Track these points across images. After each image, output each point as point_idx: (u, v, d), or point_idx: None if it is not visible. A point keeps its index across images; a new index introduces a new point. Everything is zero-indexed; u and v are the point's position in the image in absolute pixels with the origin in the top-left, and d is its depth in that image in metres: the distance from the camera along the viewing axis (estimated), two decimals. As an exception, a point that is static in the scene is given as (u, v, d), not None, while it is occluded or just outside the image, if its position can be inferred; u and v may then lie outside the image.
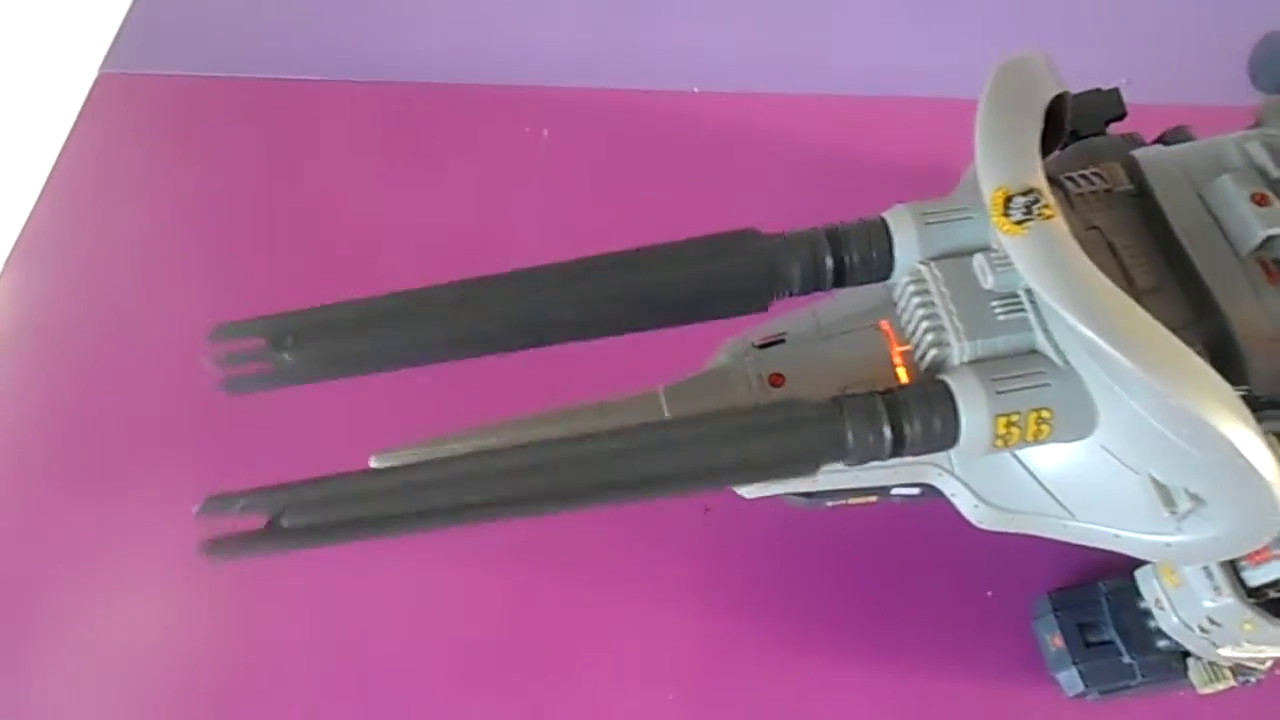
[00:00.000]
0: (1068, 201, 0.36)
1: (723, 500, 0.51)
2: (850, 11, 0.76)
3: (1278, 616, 0.37)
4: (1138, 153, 0.36)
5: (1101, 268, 0.34)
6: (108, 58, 0.75)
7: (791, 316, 0.38)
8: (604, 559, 0.55)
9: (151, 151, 0.72)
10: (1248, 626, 0.38)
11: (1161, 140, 0.43)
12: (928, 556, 0.54)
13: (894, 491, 0.38)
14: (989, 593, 0.53)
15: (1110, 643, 0.47)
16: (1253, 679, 0.46)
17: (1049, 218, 0.30)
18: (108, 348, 0.63)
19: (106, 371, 0.62)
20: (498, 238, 0.66)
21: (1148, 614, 0.44)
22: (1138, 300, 0.33)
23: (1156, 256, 0.34)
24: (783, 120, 0.70)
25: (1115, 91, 0.42)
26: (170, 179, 0.70)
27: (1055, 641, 0.49)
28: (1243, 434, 0.28)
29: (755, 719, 0.51)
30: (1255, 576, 0.37)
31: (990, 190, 0.31)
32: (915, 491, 0.38)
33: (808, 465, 0.32)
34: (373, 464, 0.34)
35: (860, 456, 0.32)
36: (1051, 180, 0.36)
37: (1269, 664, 0.45)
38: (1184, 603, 0.41)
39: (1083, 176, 0.37)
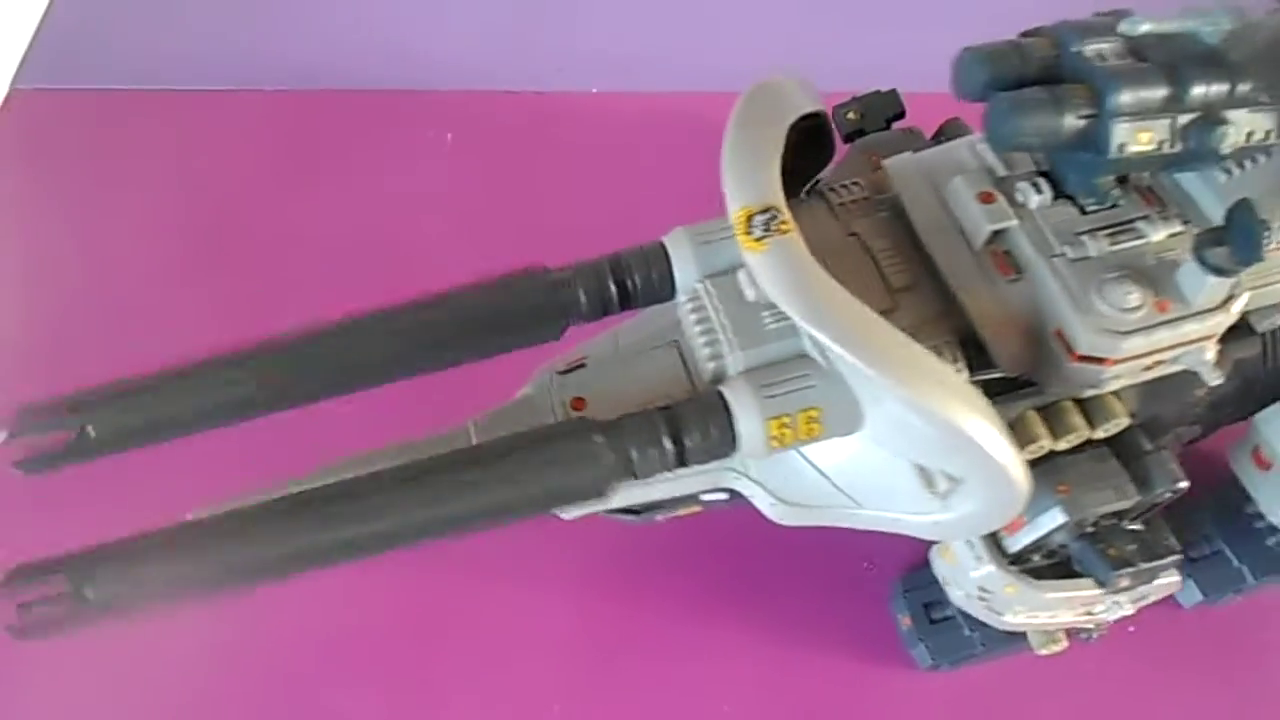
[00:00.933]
0: (831, 211, 0.38)
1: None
2: (747, 9, 0.79)
3: (1042, 579, 0.40)
4: (888, 161, 0.39)
5: (859, 271, 0.36)
6: (18, 74, 0.76)
7: (594, 341, 0.40)
8: (485, 552, 0.56)
9: (63, 166, 0.73)
10: (1009, 590, 0.41)
11: (939, 133, 0.45)
12: (807, 536, 0.56)
13: (704, 498, 0.40)
14: (866, 564, 0.56)
15: (953, 618, 0.50)
16: (1094, 636, 0.49)
17: (785, 233, 0.32)
18: (28, 359, 0.63)
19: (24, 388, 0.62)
20: (406, 243, 0.67)
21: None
22: (893, 298, 0.36)
23: (911, 257, 0.37)
24: (684, 118, 0.70)
25: (894, 92, 0.45)
26: (82, 193, 0.71)
27: (905, 621, 0.52)
28: (972, 420, 0.30)
29: (639, 691, 0.54)
30: (1013, 543, 0.40)
31: (734, 210, 0.33)
32: (723, 496, 0.40)
33: (594, 486, 0.33)
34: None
35: (646, 471, 0.34)
36: (816, 193, 0.39)
37: (1105, 621, 0.48)
38: (958, 576, 0.44)
39: (844, 186, 0.39)
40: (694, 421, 0.34)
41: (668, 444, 0.34)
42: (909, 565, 0.53)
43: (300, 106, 0.74)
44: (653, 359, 0.39)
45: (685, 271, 0.37)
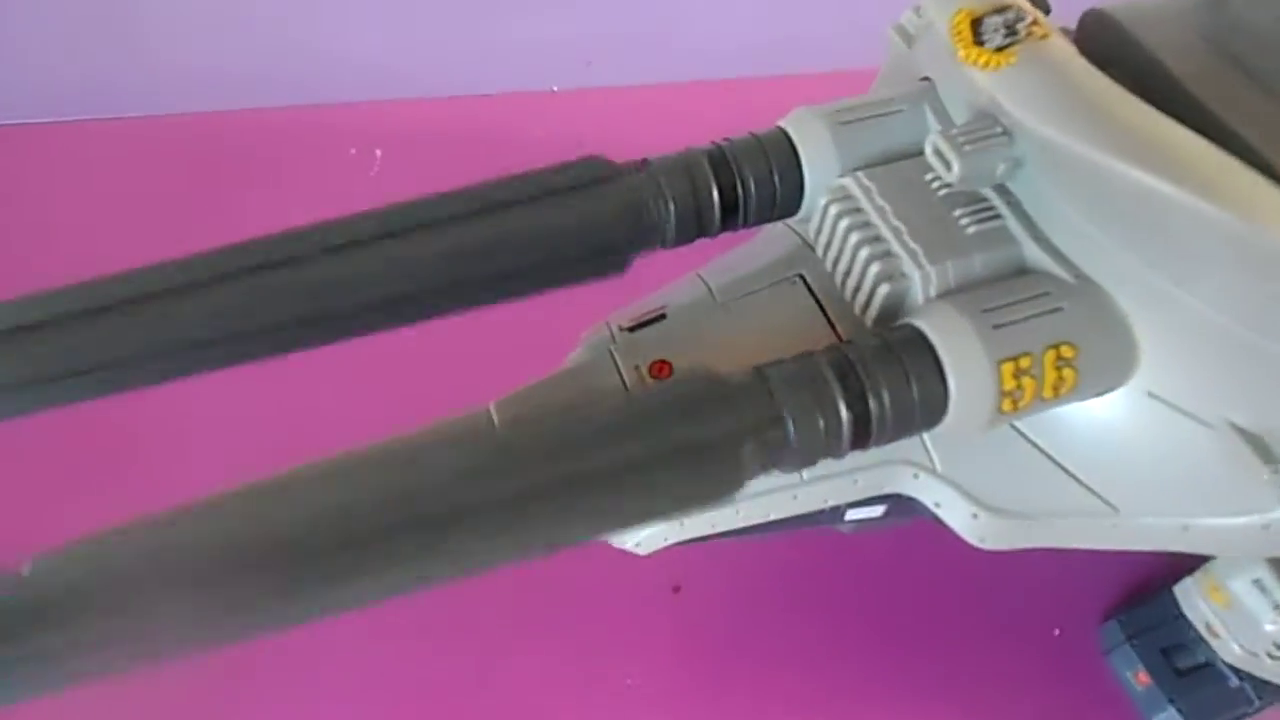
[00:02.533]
0: None
1: (692, 573, 0.38)
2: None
3: None
4: (1111, 7, 0.27)
5: None
6: None
7: (671, 288, 0.27)
8: (567, 669, 0.39)
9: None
10: None
11: (1080, 26, 0.34)
12: (966, 595, 0.40)
13: (849, 516, 0.26)
14: (1056, 631, 0.40)
15: (1208, 665, 0.35)
16: None
17: (1043, 36, 0.20)
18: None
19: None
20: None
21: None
22: None
23: None
24: (658, 113, 0.58)
25: None
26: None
27: (1139, 678, 0.36)
28: None
29: None
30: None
31: (949, 17, 0.21)
32: (878, 512, 0.26)
33: (727, 479, 0.20)
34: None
35: (806, 455, 0.21)
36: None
37: None
38: (1241, 627, 0.30)
39: None
40: (879, 370, 0.21)
41: (841, 406, 0.20)
42: (1115, 604, 0.38)
43: (177, 134, 0.59)
44: (768, 300, 0.26)
45: (820, 165, 0.25)
